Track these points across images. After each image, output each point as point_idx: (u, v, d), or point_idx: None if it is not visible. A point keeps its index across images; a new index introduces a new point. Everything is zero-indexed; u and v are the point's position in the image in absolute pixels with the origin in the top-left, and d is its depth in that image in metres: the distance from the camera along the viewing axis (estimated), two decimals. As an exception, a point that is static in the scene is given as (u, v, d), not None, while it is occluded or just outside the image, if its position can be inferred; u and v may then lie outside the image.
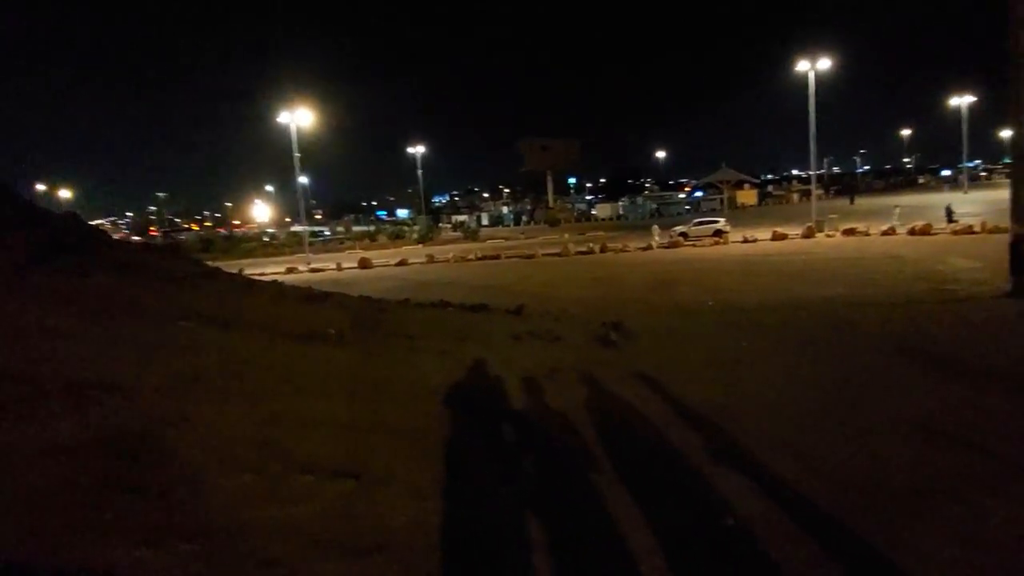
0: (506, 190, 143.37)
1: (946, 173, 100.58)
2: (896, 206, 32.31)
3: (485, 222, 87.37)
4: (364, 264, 32.06)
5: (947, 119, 65.72)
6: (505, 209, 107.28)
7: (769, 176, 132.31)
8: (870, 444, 4.48)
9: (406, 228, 70.27)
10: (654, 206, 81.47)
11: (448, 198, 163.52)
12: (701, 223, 35.50)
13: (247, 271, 14.05)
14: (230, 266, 14.29)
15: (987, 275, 13.39)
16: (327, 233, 78.11)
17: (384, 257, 35.48)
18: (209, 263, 11.36)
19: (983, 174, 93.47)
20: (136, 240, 51.39)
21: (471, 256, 32.91)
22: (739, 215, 51.11)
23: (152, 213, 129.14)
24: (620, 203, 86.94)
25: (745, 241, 30.05)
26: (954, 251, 18.65)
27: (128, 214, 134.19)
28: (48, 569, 2.42)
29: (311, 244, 48.23)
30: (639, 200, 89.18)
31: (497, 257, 32.27)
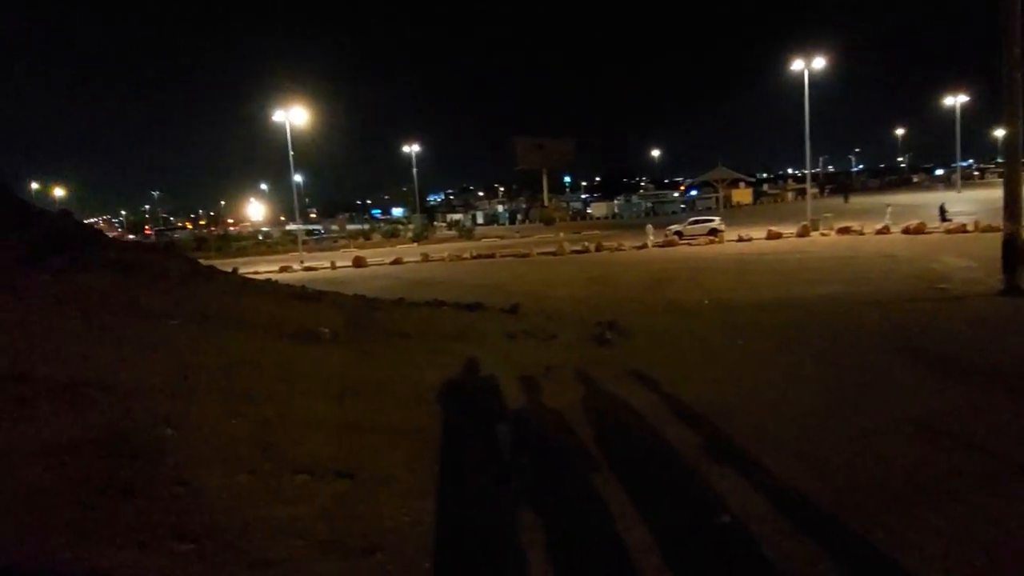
0: (501, 189, 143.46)
1: (939, 172, 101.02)
2: (888, 205, 32.37)
3: (480, 221, 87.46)
4: (359, 263, 31.91)
5: (941, 119, 65.94)
6: (500, 208, 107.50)
7: (764, 175, 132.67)
8: (872, 443, 4.48)
9: (401, 227, 70.16)
10: (649, 205, 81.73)
11: (443, 196, 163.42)
12: (696, 222, 35.46)
13: (241, 270, 13.96)
14: (224, 265, 14.20)
15: (980, 274, 13.46)
16: (321, 231, 78.00)
17: (379, 256, 35.35)
18: (203, 262, 11.31)
19: (976, 173, 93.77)
20: (130, 239, 51.15)
21: (466, 255, 32.81)
22: (734, 214, 51.16)
23: (146, 212, 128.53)
24: (615, 202, 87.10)
25: (740, 240, 30.06)
26: (947, 250, 18.71)
27: (122, 212, 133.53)
28: (47, 570, 2.41)
29: (305, 243, 48.07)
30: (634, 199, 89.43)
31: (492, 256, 32.18)
